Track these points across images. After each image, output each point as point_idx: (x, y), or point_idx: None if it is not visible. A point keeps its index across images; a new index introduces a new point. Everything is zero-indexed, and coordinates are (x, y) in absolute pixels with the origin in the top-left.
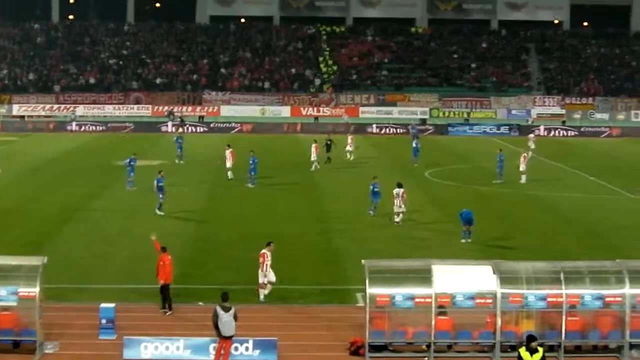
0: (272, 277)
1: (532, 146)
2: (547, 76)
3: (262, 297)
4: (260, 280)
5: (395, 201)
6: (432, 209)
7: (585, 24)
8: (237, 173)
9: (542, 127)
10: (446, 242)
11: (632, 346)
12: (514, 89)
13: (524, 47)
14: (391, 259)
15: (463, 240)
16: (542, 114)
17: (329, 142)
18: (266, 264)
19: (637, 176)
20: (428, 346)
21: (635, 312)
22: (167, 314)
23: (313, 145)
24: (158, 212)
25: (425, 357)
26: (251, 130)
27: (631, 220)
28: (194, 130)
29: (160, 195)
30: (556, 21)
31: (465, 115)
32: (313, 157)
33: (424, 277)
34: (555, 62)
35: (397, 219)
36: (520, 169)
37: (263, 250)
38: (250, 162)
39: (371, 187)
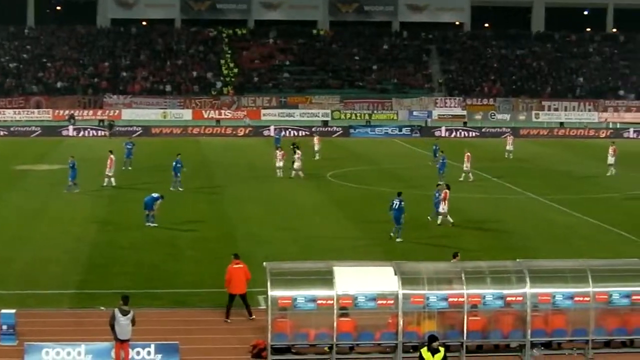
0: None
1: (510, 147)
2: (448, 77)
3: None
4: None
5: (442, 203)
6: (335, 211)
7: (487, 25)
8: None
9: (443, 128)
10: (348, 243)
11: (533, 345)
12: (416, 90)
13: (425, 49)
14: (293, 261)
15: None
16: (444, 115)
17: (295, 147)
18: None
19: (538, 176)
20: (330, 348)
21: (536, 311)
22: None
23: (279, 152)
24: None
25: (327, 359)
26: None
27: (532, 221)
28: (94, 134)
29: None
30: (457, 23)
31: (366, 117)
32: (279, 163)
33: (326, 278)
34: (456, 64)
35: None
36: (465, 168)
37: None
38: (175, 165)
39: (396, 203)
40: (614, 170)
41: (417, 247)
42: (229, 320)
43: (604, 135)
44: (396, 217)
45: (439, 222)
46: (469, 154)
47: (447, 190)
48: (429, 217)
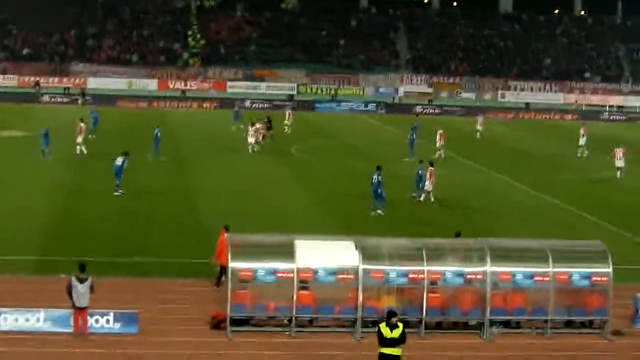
0: None
1: (480, 127)
2: (415, 55)
3: None
4: None
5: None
6: (298, 185)
7: (455, 4)
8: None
9: (418, 108)
10: (310, 217)
11: (492, 323)
12: (382, 67)
13: (393, 26)
14: (254, 234)
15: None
16: (410, 92)
17: (269, 120)
18: None
19: (506, 157)
20: (289, 320)
21: (495, 289)
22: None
23: (251, 127)
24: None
25: (286, 331)
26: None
27: (497, 200)
28: (61, 101)
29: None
30: (426, 1)
31: (332, 92)
32: (250, 139)
33: (287, 252)
34: (423, 42)
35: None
36: (438, 145)
37: None
38: (156, 135)
39: (375, 177)
40: (585, 152)
41: (380, 223)
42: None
43: (570, 117)
44: (375, 191)
45: (421, 199)
46: (441, 132)
47: (432, 168)
48: (413, 195)
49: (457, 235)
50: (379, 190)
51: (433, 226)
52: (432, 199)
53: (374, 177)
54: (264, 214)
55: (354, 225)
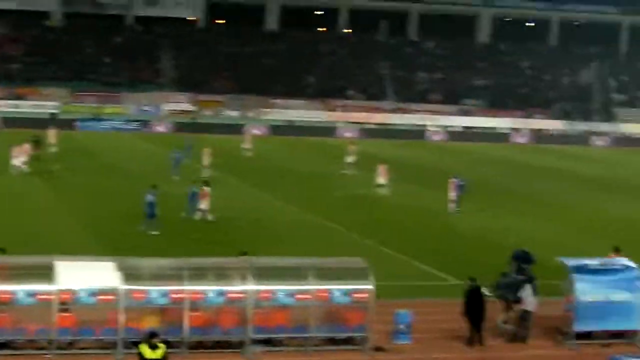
0: None
1: (248, 146)
2: (179, 73)
3: None
4: None
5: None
6: (59, 205)
7: (221, 22)
8: None
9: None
10: (71, 238)
11: (253, 341)
12: (146, 85)
13: (158, 44)
14: (13, 256)
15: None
16: (173, 110)
17: (37, 140)
18: None
19: (270, 174)
20: (50, 343)
21: (257, 308)
22: None
23: (17, 148)
24: None
25: (46, 354)
26: None
27: (259, 218)
28: None
29: None
30: (192, 18)
31: (95, 110)
32: (16, 160)
33: (47, 273)
34: (188, 59)
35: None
36: (204, 164)
37: None
38: None
39: (149, 196)
40: (351, 170)
41: (150, 243)
42: None
43: (336, 134)
44: (148, 210)
45: (197, 217)
46: (208, 150)
47: (206, 187)
48: (185, 215)
49: (243, 254)
50: (152, 210)
51: (206, 245)
52: (209, 218)
53: (147, 196)
54: (23, 235)
55: (122, 246)
